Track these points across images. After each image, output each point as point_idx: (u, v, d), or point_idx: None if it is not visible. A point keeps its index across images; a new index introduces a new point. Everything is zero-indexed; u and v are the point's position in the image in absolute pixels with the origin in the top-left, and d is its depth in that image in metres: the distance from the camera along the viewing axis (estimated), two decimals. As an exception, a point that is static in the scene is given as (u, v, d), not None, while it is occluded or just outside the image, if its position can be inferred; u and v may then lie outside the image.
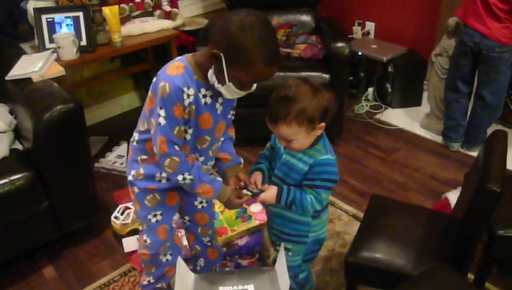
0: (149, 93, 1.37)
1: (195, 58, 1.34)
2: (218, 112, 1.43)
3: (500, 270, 2.00)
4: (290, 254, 1.63)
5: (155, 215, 1.58)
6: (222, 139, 1.57)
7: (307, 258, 1.69)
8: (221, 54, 1.24)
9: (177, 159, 1.36)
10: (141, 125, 1.47)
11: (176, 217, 2.18)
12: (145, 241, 1.64)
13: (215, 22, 1.29)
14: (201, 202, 1.71)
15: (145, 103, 1.43)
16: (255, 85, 1.36)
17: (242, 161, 1.64)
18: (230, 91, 1.32)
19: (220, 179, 1.51)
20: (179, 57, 1.36)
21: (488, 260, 1.74)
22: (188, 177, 1.39)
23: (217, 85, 1.31)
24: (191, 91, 1.30)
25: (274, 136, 1.61)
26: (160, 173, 1.49)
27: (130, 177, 1.54)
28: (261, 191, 1.51)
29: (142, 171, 1.50)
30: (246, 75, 1.27)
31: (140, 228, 1.66)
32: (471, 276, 1.86)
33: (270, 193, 1.49)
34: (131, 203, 2.27)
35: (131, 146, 1.54)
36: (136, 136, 1.51)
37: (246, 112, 2.83)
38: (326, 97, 1.39)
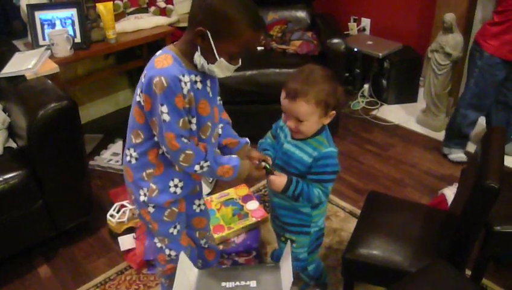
0: (141, 96, 1.31)
1: (178, 47, 1.32)
2: (210, 95, 1.40)
3: (497, 266, 2.01)
4: (294, 245, 1.66)
5: (175, 227, 1.55)
6: (221, 125, 1.55)
7: (312, 249, 1.71)
8: (207, 30, 1.23)
9: (191, 152, 1.32)
10: (135, 138, 1.40)
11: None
12: (169, 255, 1.59)
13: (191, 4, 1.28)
14: (199, 205, 1.68)
15: (132, 112, 1.38)
16: (240, 60, 1.34)
17: (248, 140, 1.61)
18: (222, 68, 1.30)
19: (234, 156, 1.48)
20: (161, 51, 1.33)
21: (485, 256, 1.74)
22: (204, 165, 1.36)
23: (207, 65, 1.29)
24: (187, 78, 1.27)
25: (276, 125, 1.64)
26: (173, 180, 1.44)
27: (142, 198, 1.45)
28: (273, 173, 1.51)
29: (154, 187, 1.43)
30: (235, 45, 1.26)
31: (159, 244, 1.59)
32: (468, 272, 1.86)
33: (280, 179, 1.50)
34: (127, 201, 2.26)
35: (129, 166, 1.44)
36: (131, 152, 1.42)
37: (243, 109, 2.81)
38: (340, 89, 1.46)
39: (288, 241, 1.61)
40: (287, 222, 1.64)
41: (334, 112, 1.47)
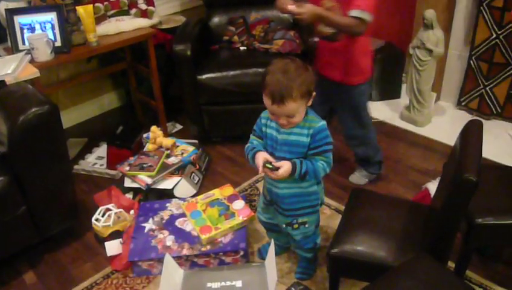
0: None
1: None
2: None
3: (480, 258, 2.03)
4: (307, 226, 1.77)
5: None
6: None
7: (318, 223, 1.87)
8: None
9: None
10: None
11: (158, 218, 2.17)
12: None
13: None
14: None
15: None
16: None
17: None
18: None
19: None
20: None
21: (468, 248, 1.77)
22: None
23: None
24: None
25: (258, 126, 1.71)
26: None
27: None
28: (277, 167, 1.58)
29: None
30: None
31: None
32: (452, 264, 1.88)
33: (286, 167, 1.58)
34: (112, 204, 2.25)
35: None
36: None
37: (228, 109, 2.82)
38: (311, 71, 1.57)
39: (272, 242, 1.62)
40: (298, 207, 1.72)
41: (314, 93, 1.57)
